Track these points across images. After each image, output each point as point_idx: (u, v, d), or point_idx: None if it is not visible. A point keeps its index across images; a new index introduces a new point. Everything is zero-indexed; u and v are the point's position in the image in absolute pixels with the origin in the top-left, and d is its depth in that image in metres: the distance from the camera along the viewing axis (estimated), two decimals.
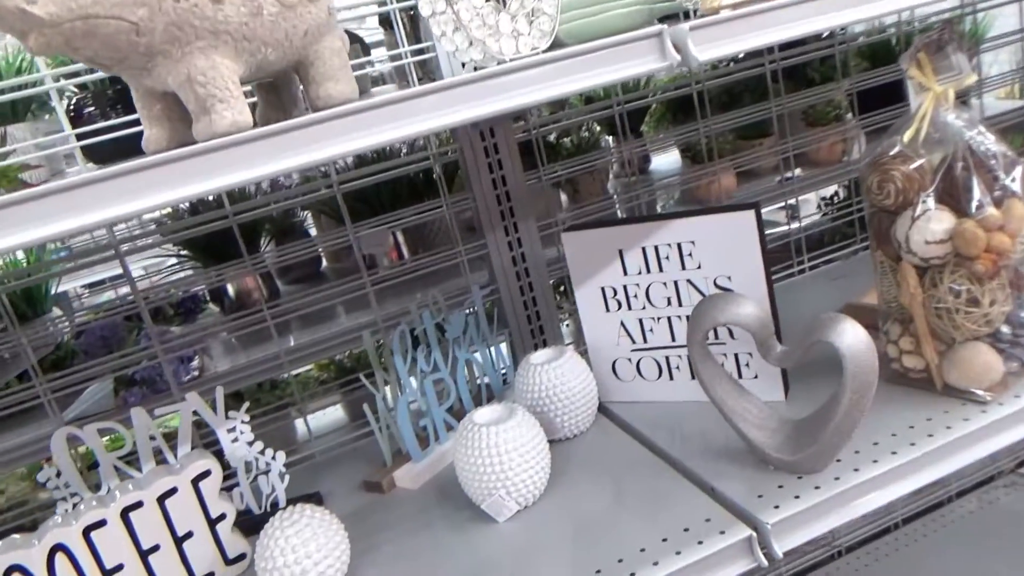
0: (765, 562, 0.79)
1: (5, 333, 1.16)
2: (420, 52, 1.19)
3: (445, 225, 1.45)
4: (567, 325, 1.72)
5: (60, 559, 0.85)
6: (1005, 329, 0.89)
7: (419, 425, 1.08)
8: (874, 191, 0.91)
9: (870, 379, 0.79)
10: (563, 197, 1.68)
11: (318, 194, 1.31)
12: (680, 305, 1.04)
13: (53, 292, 1.54)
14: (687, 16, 0.81)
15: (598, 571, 0.78)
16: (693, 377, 1.02)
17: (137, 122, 0.85)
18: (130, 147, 0.98)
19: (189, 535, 0.92)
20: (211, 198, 1.36)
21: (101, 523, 0.87)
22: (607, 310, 1.09)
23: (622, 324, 1.09)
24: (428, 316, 1.10)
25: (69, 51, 0.54)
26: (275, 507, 1.02)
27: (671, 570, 0.77)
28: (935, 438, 0.86)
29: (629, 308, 1.08)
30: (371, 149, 0.62)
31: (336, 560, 0.85)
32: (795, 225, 1.56)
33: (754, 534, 0.79)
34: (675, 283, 1.03)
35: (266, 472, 1.03)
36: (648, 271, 1.04)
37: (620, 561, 0.79)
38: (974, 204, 0.85)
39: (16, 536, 0.86)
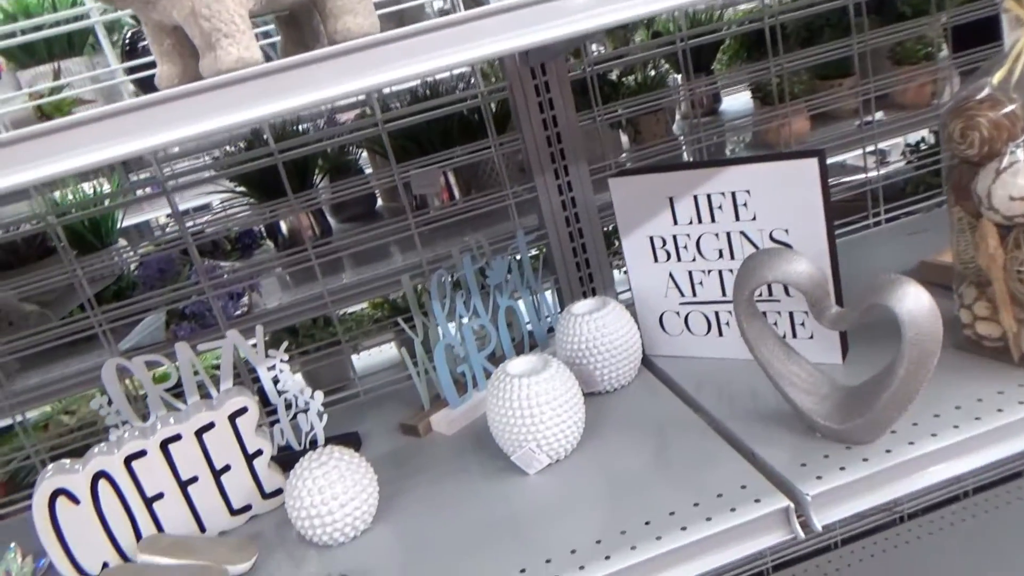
0: (802, 534, 0.75)
1: (70, 263, 1.19)
2: None
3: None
4: (624, 272, 1.67)
5: (103, 485, 0.88)
6: None
7: (457, 371, 1.07)
8: (956, 139, 0.81)
9: (932, 348, 0.72)
10: (624, 139, 1.61)
11: (365, 132, 1.29)
12: (732, 258, 0.98)
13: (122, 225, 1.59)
14: None
15: (623, 531, 0.76)
16: None
17: None
18: None
19: (227, 468, 0.94)
20: (265, 135, 1.36)
21: (142, 453, 0.90)
22: (655, 260, 1.04)
23: (671, 276, 1.04)
24: (468, 261, 1.07)
25: None
26: (314, 444, 1.03)
27: (699, 536, 0.73)
28: (1005, 413, 0.79)
29: (678, 259, 1.02)
30: (385, 86, 0.59)
31: (363, 503, 0.86)
32: (873, 173, 1.45)
33: (792, 505, 0.74)
34: (727, 235, 0.97)
35: (305, 410, 1.03)
36: (699, 221, 0.98)
37: (647, 524, 0.76)
38: None
39: (65, 461, 0.89)
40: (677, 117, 1.71)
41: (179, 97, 0.53)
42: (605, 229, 1.29)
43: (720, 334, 1.03)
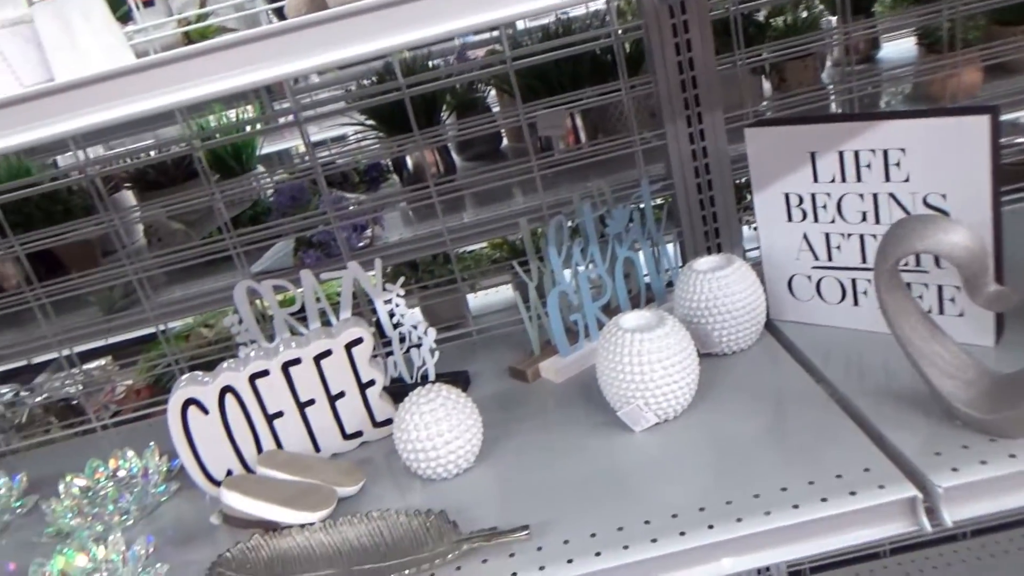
0: (928, 528, 0.69)
1: (210, 186, 1.26)
2: None
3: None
4: (754, 228, 1.58)
5: (229, 399, 0.94)
6: None
7: (570, 319, 1.06)
8: None
9: None
10: (766, 85, 1.50)
11: (493, 68, 1.26)
12: (877, 222, 0.89)
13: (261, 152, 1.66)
14: None
15: (728, 502, 0.73)
16: None
17: None
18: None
19: (341, 395, 0.98)
20: (395, 70, 1.36)
21: (265, 373, 0.95)
22: (789, 219, 0.97)
23: (805, 237, 0.97)
24: (588, 208, 1.04)
25: None
26: (424, 379, 1.05)
27: (812, 517, 0.69)
28: None
29: (815, 220, 0.95)
30: (515, 18, 0.56)
31: (467, 442, 0.87)
32: None
33: (920, 495, 0.69)
34: (874, 196, 0.88)
35: (418, 345, 1.05)
36: (843, 180, 0.90)
37: (756, 497, 0.73)
38: None
39: (198, 372, 0.96)
40: (828, 64, 1.58)
41: (309, 25, 0.52)
42: (736, 182, 1.22)
43: (855, 303, 0.96)
